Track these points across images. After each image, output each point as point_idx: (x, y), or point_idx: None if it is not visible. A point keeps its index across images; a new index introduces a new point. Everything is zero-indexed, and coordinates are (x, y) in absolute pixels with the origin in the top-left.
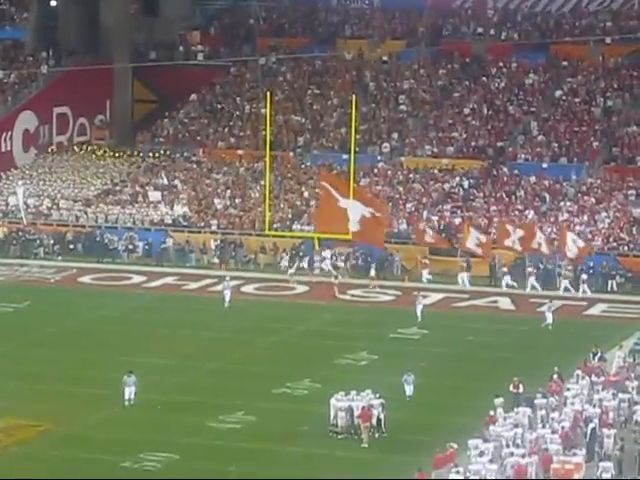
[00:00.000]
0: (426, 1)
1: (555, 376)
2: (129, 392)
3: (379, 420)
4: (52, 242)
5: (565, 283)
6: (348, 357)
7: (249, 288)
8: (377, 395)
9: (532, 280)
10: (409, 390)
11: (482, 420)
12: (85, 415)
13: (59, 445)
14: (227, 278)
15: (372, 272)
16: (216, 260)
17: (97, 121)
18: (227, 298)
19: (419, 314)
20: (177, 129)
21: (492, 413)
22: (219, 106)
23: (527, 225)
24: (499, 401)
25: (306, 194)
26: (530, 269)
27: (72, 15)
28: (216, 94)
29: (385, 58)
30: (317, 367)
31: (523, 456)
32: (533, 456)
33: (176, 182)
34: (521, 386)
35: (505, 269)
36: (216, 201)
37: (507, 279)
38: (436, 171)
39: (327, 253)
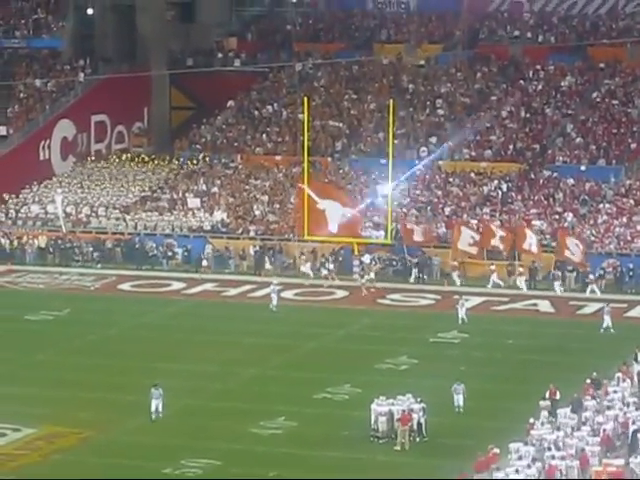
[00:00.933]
0: (462, 5)
1: (589, 380)
2: (155, 405)
3: (420, 424)
4: (91, 250)
5: (556, 285)
6: (388, 361)
7: (289, 294)
8: (418, 399)
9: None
10: (458, 400)
11: (522, 423)
12: (126, 422)
13: (100, 452)
14: (274, 282)
15: (330, 266)
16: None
17: (135, 128)
18: (274, 302)
19: (461, 317)
20: (215, 135)
21: (532, 420)
22: (256, 112)
23: (518, 227)
24: (545, 404)
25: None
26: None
27: (109, 23)
28: (253, 100)
29: (422, 62)
30: (357, 372)
31: (563, 458)
32: (574, 460)
33: (214, 188)
34: (558, 393)
35: (558, 272)
36: (254, 207)
37: (557, 285)
38: (474, 175)
39: (367, 258)
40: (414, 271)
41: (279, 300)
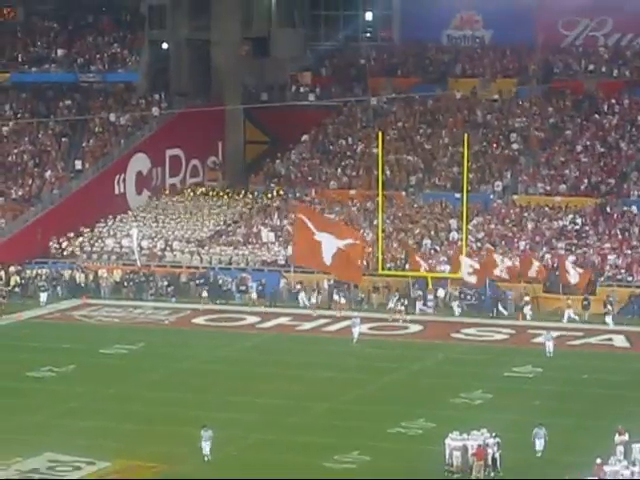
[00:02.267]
0: (537, 39)
1: None
2: (205, 447)
3: (494, 459)
4: (166, 284)
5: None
6: (463, 396)
7: (363, 328)
8: (493, 434)
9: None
10: (540, 445)
11: (595, 458)
12: (199, 456)
13: None
14: (355, 315)
15: (340, 299)
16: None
17: (209, 162)
18: (355, 335)
19: (549, 351)
20: (289, 170)
21: (599, 461)
22: (331, 146)
23: (524, 255)
24: (620, 439)
25: (418, 233)
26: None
27: (183, 58)
28: (328, 134)
29: (496, 96)
30: (432, 406)
31: None
32: None
33: (289, 222)
34: (627, 434)
35: (610, 308)
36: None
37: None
38: (549, 209)
39: (441, 292)
40: (500, 304)
41: (360, 334)
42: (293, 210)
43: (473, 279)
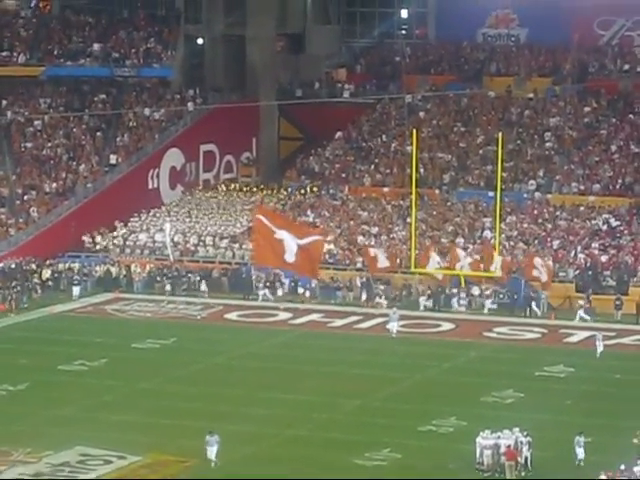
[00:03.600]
0: (572, 38)
1: None
2: (211, 452)
3: (525, 458)
4: (198, 279)
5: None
6: (494, 395)
7: (395, 325)
8: (524, 433)
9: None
10: (580, 453)
11: (627, 459)
12: (230, 451)
13: None
14: (394, 309)
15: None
16: (364, 297)
17: (243, 158)
18: (394, 330)
19: (600, 352)
20: (323, 166)
21: (623, 467)
22: (365, 144)
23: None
24: None
25: (451, 231)
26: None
27: (218, 53)
28: (362, 131)
29: (531, 95)
30: (463, 405)
31: None
32: None
33: (322, 219)
34: None
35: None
36: (361, 238)
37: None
38: (582, 208)
39: (475, 290)
40: (534, 304)
41: (398, 327)
42: (325, 206)
43: (439, 275)
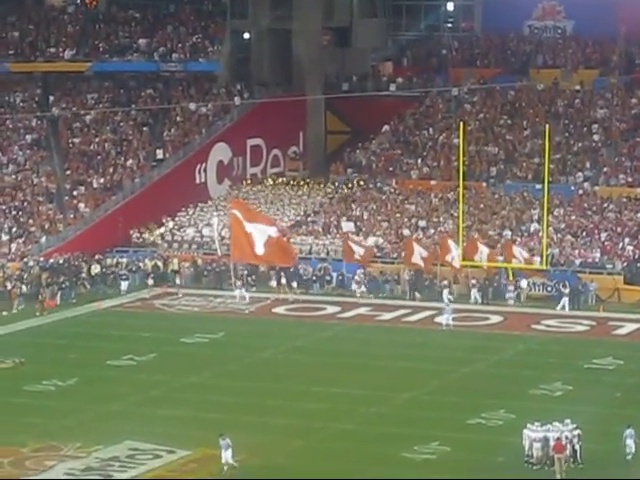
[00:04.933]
0: (619, 30)
1: None
2: (225, 457)
3: (575, 451)
4: (246, 273)
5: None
6: (543, 387)
7: (442, 319)
8: (574, 426)
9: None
10: (631, 447)
11: None
12: (280, 445)
13: (253, 475)
14: (447, 302)
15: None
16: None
17: (290, 152)
18: (447, 322)
19: None
20: (370, 160)
21: None
22: (412, 137)
23: (470, 241)
24: None
25: (499, 224)
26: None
27: (265, 47)
28: (408, 125)
29: (578, 87)
30: (512, 397)
31: None
32: None
33: (369, 213)
34: None
35: (474, 281)
36: (408, 232)
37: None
38: (630, 200)
39: (524, 283)
40: (564, 300)
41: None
42: (372, 199)
43: (422, 264)
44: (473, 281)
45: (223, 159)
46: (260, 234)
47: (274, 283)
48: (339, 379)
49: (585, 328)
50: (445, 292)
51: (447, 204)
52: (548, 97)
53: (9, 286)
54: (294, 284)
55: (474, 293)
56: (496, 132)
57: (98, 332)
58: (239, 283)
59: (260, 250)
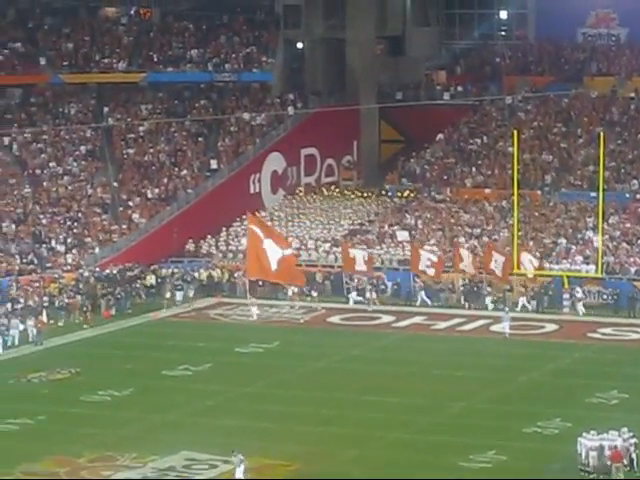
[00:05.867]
0: None
1: None
2: (239, 472)
3: (632, 460)
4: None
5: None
6: (599, 396)
7: (498, 327)
8: (631, 434)
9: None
10: None
11: None
12: (335, 455)
13: None
14: (506, 310)
15: (373, 295)
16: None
17: (344, 162)
18: (506, 330)
19: None
20: (424, 169)
21: None
22: (466, 145)
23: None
24: None
25: (553, 232)
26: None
27: (318, 57)
28: (462, 133)
29: (632, 95)
30: (568, 406)
31: None
32: None
33: (423, 222)
34: None
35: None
36: (463, 240)
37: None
38: None
39: (579, 291)
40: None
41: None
42: (426, 208)
43: (431, 272)
44: (522, 289)
45: (277, 169)
46: (274, 251)
47: (290, 292)
48: (394, 388)
49: None
50: (522, 300)
51: (502, 212)
52: (602, 105)
53: (65, 297)
54: (314, 293)
55: (522, 301)
56: (550, 140)
57: (153, 342)
58: (253, 299)
59: (274, 267)
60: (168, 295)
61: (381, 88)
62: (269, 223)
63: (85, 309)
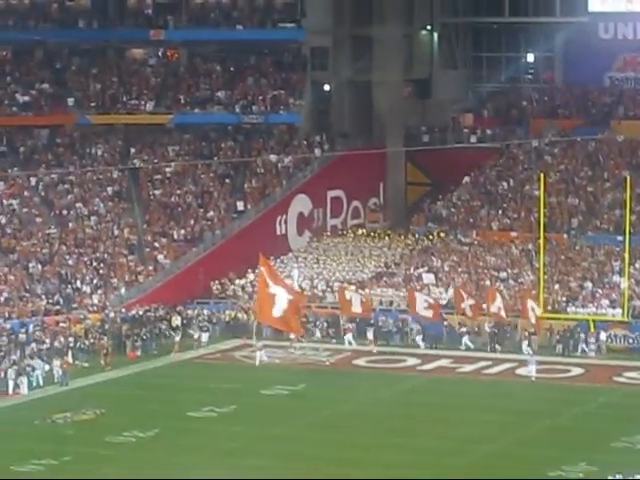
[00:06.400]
0: None
1: None
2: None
3: None
4: (326, 325)
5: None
6: (625, 440)
7: (524, 371)
8: None
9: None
10: None
11: None
12: None
13: None
14: (530, 353)
15: (370, 335)
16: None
17: (371, 204)
18: (533, 372)
19: None
20: (450, 211)
21: None
22: (492, 188)
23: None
24: None
25: (580, 276)
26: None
27: (345, 99)
28: (489, 176)
29: None
30: (593, 450)
31: None
32: None
33: (449, 264)
34: None
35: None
36: (488, 283)
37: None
38: None
39: (603, 335)
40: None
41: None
42: (452, 251)
43: (429, 314)
44: (525, 334)
45: (303, 211)
46: (281, 298)
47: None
48: (420, 431)
49: None
50: (524, 344)
51: (528, 255)
52: (629, 148)
53: (91, 338)
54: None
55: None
56: (577, 183)
57: (178, 383)
58: (260, 344)
59: (278, 313)
60: (196, 336)
61: (408, 130)
62: (294, 265)
63: (105, 352)
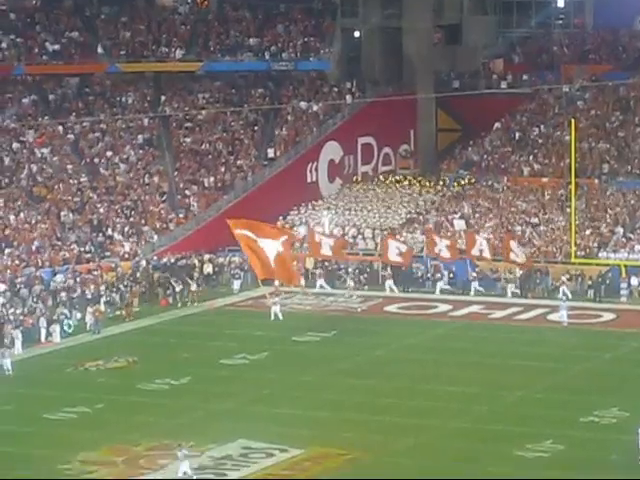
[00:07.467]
0: None
1: None
2: (182, 468)
3: None
4: (358, 272)
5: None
6: None
7: (556, 316)
8: None
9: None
10: None
11: None
12: (392, 443)
13: (367, 473)
14: (563, 299)
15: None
16: (517, 290)
17: (401, 151)
18: (564, 318)
19: None
20: (481, 158)
21: None
22: (523, 134)
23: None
24: None
25: (611, 221)
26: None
27: (375, 46)
28: (520, 122)
29: None
30: (625, 395)
31: None
32: None
33: (480, 210)
34: None
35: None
36: (519, 229)
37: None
38: None
39: (634, 280)
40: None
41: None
42: (483, 197)
43: (400, 259)
44: (509, 276)
45: (334, 158)
46: (270, 249)
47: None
48: (451, 377)
49: None
50: (561, 289)
51: (559, 201)
52: None
53: (122, 286)
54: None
55: (510, 288)
56: (608, 129)
57: (211, 331)
58: (277, 299)
59: (272, 265)
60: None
61: (438, 77)
62: (325, 212)
63: (127, 303)
